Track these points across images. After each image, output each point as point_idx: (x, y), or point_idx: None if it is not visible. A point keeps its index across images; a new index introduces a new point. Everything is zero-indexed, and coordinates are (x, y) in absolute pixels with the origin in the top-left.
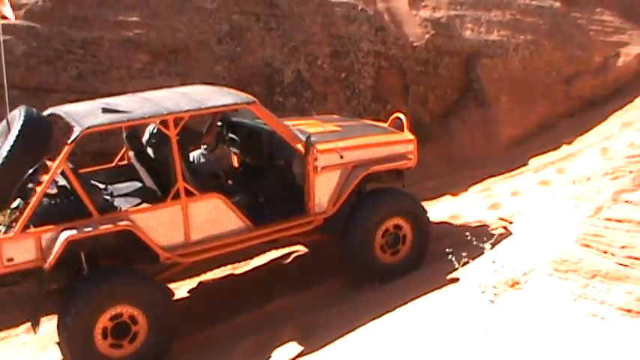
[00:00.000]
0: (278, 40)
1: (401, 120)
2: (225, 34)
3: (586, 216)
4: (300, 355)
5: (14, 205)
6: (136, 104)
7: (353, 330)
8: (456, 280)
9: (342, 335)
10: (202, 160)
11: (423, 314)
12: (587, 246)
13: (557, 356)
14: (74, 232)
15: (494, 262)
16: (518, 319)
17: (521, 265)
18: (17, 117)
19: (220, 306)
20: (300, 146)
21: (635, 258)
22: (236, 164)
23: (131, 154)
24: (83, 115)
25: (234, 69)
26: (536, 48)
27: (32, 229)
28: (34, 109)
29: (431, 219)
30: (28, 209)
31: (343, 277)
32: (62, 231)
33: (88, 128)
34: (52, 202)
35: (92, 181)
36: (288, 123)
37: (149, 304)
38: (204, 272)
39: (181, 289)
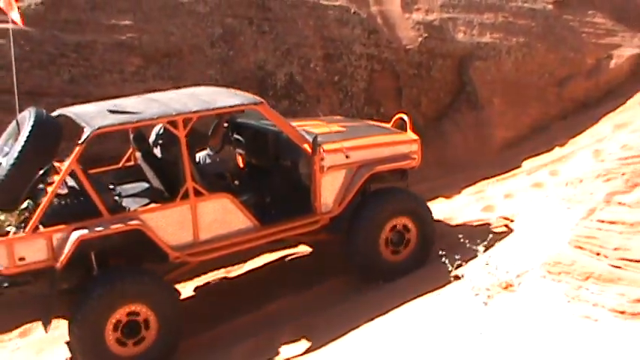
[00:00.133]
0: (271, 44)
1: (404, 120)
2: (218, 37)
3: (579, 218)
4: (295, 357)
5: (23, 206)
6: (144, 105)
7: (346, 333)
8: (450, 282)
9: (335, 338)
10: (208, 161)
11: (416, 317)
12: (581, 248)
13: (551, 358)
14: (85, 231)
15: (487, 264)
16: (512, 321)
17: (514, 268)
18: (27, 118)
19: (222, 306)
20: (306, 146)
21: (628, 260)
22: (241, 165)
23: (138, 155)
24: (93, 115)
25: (227, 72)
26: (529, 50)
27: (43, 229)
28: (44, 111)
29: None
30: (39, 209)
31: (342, 277)
32: (73, 230)
33: (98, 129)
34: (62, 202)
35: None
36: (294, 124)
37: (159, 303)
38: (206, 273)
39: (182, 290)
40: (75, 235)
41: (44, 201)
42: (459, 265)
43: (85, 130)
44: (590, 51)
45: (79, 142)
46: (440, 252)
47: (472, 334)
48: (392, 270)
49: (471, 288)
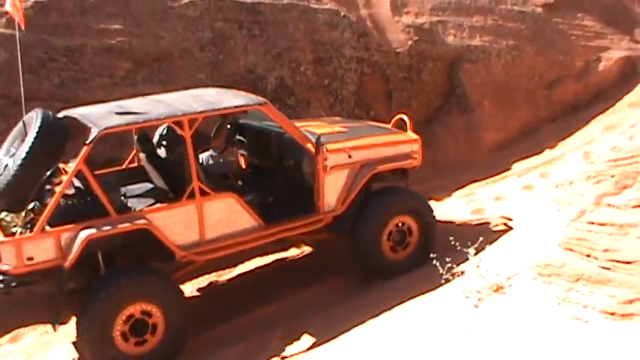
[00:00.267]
0: (261, 47)
1: (404, 121)
2: (208, 41)
3: (569, 220)
4: (286, 358)
5: (29, 207)
6: (149, 106)
7: (338, 335)
8: (441, 285)
9: (327, 340)
10: (211, 161)
11: (408, 319)
12: (571, 250)
13: None
14: (94, 230)
15: (478, 267)
16: (503, 323)
17: (505, 270)
18: (34, 119)
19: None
20: (310, 146)
21: (618, 261)
22: (243, 166)
23: (142, 156)
24: (99, 116)
25: (217, 76)
26: (519, 53)
27: (51, 229)
28: (50, 112)
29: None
30: (47, 209)
31: (335, 279)
32: (81, 230)
33: (105, 129)
34: (69, 202)
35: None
36: (297, 124)
37: (167, 302)
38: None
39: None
40: (83, 235)
41: (52, 201)
42: (450, 268)
43: (92, 130)
44: (580, 54)
45: (87, 142)
46: (431, 255)
47: (463, 337)
48: (394, 268)
49: (462, 290)
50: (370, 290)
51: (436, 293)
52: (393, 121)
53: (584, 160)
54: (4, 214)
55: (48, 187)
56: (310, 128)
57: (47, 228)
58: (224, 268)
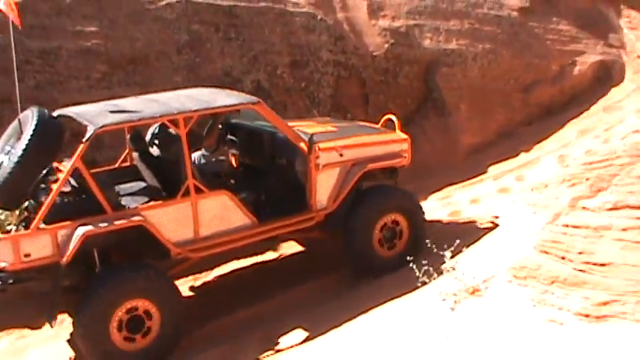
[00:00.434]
0: (237, 50)
1: (392, 121)
2: (184, 44)
3: (544, 222)
4: None
5: (24, 205)
6: (143, 105)
7: (313, 338)
8: (417, 288)
9: (302, 342)
10: (203, 161)
11: (384, 322)
12: (546, 252)
13: None
14: (90, 227)
15: (454, 269)
16: (479, 326)
17: (481, 273)
18: (30, 117)
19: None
20: (303, 145)
21: (593, 264)
22: (234, 165)
23: (135, 154)
24: (95, 115)
25: (194, 79)
26: (495, 57)
27: (48, 226)
28: (46, 110)
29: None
30: (44, 206)
31: (313, 283)
32: (78, 227)
33: (102, 127)
34: (65, 200)
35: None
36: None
37: (163, 298)
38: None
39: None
40: (80, 231)
41: (49, 198)
42: (427, 271)
43: (88, 128)
44: (555, 57)
45: (83, 140)
46: (407, 257)
47: (439, 339)
48: (385, 265)
49: (438, 293)
50: (346, 293)
51: (412, 296)
52: (381, 121)
53: (559, 163)
54: None
55: (43, 185)
56: (302, 128)
57: (41, 225)
58: (213, 268)
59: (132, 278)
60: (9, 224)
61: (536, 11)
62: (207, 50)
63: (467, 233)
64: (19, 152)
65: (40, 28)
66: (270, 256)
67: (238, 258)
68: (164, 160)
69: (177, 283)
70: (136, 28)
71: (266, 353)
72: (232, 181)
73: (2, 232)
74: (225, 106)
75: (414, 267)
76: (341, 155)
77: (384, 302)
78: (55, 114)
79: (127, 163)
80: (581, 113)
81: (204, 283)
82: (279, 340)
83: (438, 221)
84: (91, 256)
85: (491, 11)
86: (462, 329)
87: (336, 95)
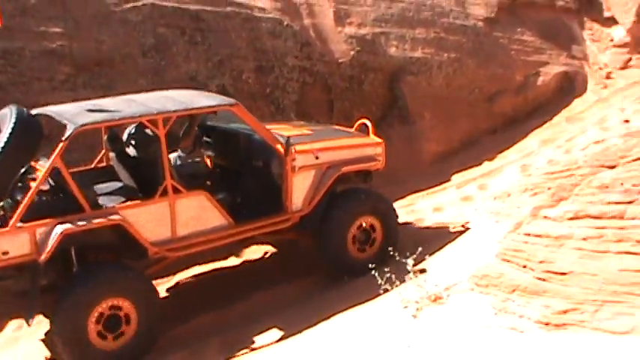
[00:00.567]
0: (203, 55)
1: (366, 125)
2: (150, 47)
3: (506, 231)
4: None
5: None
6: (122, 105)
7: (271, 344)
8: (379, 295)
9: (261, 347)
10: (179, 162)
11: (345, 329)
12: (508, 261)
13: None
14: (69, 225)
15: (416, 277)
16: (440, 334)
17: (443, 280)
18: (8, 116)
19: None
20: (279, 147)
21: (553, 272)
22: (210, 167)
23: (112, 155)
24: (74, 114)
25: (159, 82)
26: (460, 66)
27: (26, 224)
28: (25, 109)
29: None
30: (23, 203)
31: (272, 289)
32: (56, 225)
33: (82, 126)
34: (43, 198)
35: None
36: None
37: (140, 297)
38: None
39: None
40: (59, 229)
41: (28, 195)
42: (389, 278)
43: (68, 127)
44: (519, 68)
45: (63, 138)
46: (370, 265)
47: (400, 347)
48: (358, 267)
49: (400, 301)
50: (308, 300)
51: (374, 303)
52: (355, 125)
53: (521, 172)
54: None
55: (20, 184)
56: (278, 130)
57: (19, 224)
58: (188, 268)
59: (110, 277)
60: None
61: (501, 21)
62: (173, 54)
63: (429, 241)
64: None
65: (3, 28)
66: (235, 260)
67: (213, 259)
68: (141, 160)
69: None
70: (101, 30)
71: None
72: (208, 183)
73: None
74: (204, 108)
75: (376, 274)
76: (317, 158)
77: (346, 309)
78: (33, 112)
79: (103, 164)
80: (544, 123)
81: (177, 284)
82: (237, 346)
83: (401, 229)
84: (69, 255)
85: (457, 21)
86: (424, 337)
87: (301, 101)
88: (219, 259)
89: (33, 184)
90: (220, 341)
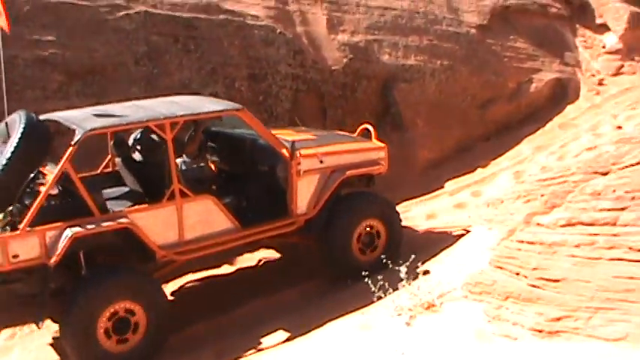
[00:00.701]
0: (196, 63)
1: (369, 130)
2: (142, 55)
3: (500, 238)
4: None
5: (8, 209)
6: (129, 110)
7: (263, 353)
8: (372, 303)
9: (254, 352)
10: (184, 167)
11: (339, 337)
12: (501, 268)
13: None
14: (79, 228)
15: (410, 284)
16: (434, 341)
17: (436, 288)
18: (18, 121)
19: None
20: (285, 151)
21: (547, 279)
22: (214, 171)
23: (118, 160)
24: (82, 119)
25: (152, 90)
26: (453, 73)
27: (36, 227)
28: (34, 114)
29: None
30: (34, 207)
31: (270, 296)
32: (66, 228)
33: (90, 130)
34: (51, 202)
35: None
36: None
37: (150, 300)
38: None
39: None
40: (69, 232)
41: (38, 199)
42: (382, 286)
43: (77, 132)
44: (512, 75)
45: (72, 143)
46: (363, 272)
47: (394, 355)
48: (363, 269)
49: (393, 308)
50: (299, 308)
51: (368, 310)
52: (358, 130)
53: (515, 179)
54: None
55: (29, 189)
56: (282, 135)
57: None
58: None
59: (120, 280)
60: None
61: (493, 29)
62: (166, 62)
63: (423, 248)
64: (8, 155)
65: None
66: (229, 268)
67: (218, 263)
68: (146, 165)
69: None
70: (94, 39)
71: None
72: (214, 187)
73: None
74: (210, 112)
75: (369, 282)
76: (321, 162)
77: (339, 317)
78: (41, 118)
79: (109, 169)
80: (537, 130)
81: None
82: (232, 354)
83: None
84: (77, 259)
85: (450, 28)
86: (418, 345)
87: (294, 109)
88: (214, 267)
89: (42, 189)
90: (215, 349)
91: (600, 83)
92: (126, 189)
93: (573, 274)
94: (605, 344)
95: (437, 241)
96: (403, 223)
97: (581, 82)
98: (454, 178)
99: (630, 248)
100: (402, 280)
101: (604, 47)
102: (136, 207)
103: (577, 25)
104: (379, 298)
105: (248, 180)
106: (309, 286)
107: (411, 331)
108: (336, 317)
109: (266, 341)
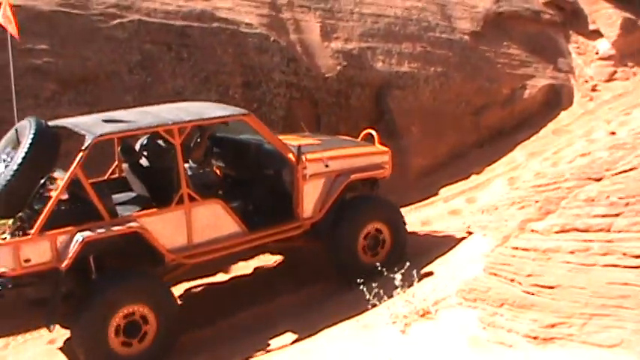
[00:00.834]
0: (189, 71)
1: (372, 135)
2: (136, 63)
3: (494, 245)
4: None
5: (18, 214)
6: (137, 116)
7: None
8: (368, 310)
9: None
10: (190, 173)
11: (333, 345)
12: (495, 274)
13: None
14: (90, 233)
15: (404, 292)
16: (429, 348)
17: (431, 295)
18: (28, 127)
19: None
20: (291, 156)
21: (541, 286)
22: (220, 176)
23: (125, 166)
24: (92, 124)
25: (145, 99)
26: (446, 80)
27: (47, 232)
28: (43, 120)
29: None
30: (45, 212)
31: (270, 302)
32: (77, 233)
33: (100, 136)
34: (61, 207)
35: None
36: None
37: (160, 303)
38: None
39: None
40: (80, 237)
41: (49, 204)
42: (377, 293)
43: (87, 137)
44: (506, 81)
45: (82, 148)
46: (358, 280)
47: None
48: (369, 271)
49: (388, 316)
50: (293, 315)
51: (363, 318)
52: (361, 135)
53: (509, 185)
54: None
55: (38, 195)
56: (287, 140)
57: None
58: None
59: (130, 284)
60: (2, 233)
61: (487, 35)
62: (159, 70)
63: (417, 255)
64: (19, 161)
65: None
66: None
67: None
68: (153, 170)
69: None
70: (87, 47)
71: None
72: (220, 192)
73: None
74: (218, 118)
75: (364, 289)
76: (326, 166)
77: (334, 324)
78: (50, 124)
79: (115, 175)
80: (531, 136)
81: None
82: None
83: None
84: (86, 263)
85: (443, 35)
86: (413, 352)
87: (288, 116)
88: (207, 275)
89: (53, 194)
90: (209, 357)
91: (593, 89)
92: (133, 194)
93: (568, 281)
94: (600, 350)
95: (431, 248)
96: None
97: (575, 88)
98: (448, 184)
99: (624, 254)
100: (396, 287)
101: (597, 53)
102: (146, 211)
103: (570, 32)
104: (374, 305)
105: (254, 184)
106: (303, 293)
107: (406, 338)
108: (331, 325)
109: (257, 350)
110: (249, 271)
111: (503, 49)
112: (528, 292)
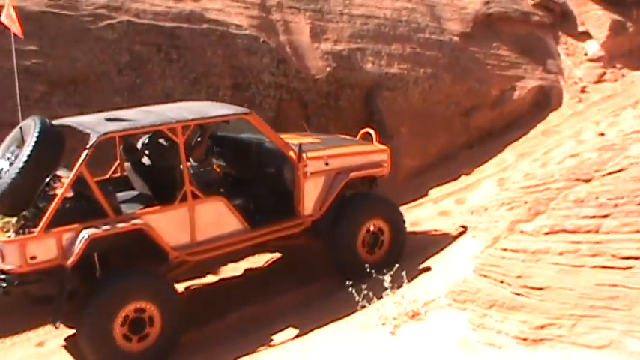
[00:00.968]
0: (179, 72)
1: (370, 134)
2: (125, 64)
3: (483, 246)
4: None
5: (22, 212)
6: (140, 115)
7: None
8: (357, 311)
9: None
10: (191, 171)
11: (321, 346)
12: (485, 276)
13: None
14: (95, 230)
15: (394, 293)
16: (418, 350)
17: (421, 296)
18: (32, 126)
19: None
20: (292, 154)
21: (530, 287)
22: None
23: (127, 165)
24: (96, 123)
25: (135, 100)
26: (436, 81)
27: (53, 229)
28: (47, 119)
29: None
30: (50, 209)
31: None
32: (82, 230)
33: (104, 134)
34: (66, 205)
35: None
36: None
37: (164, 300)
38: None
39: None
40: (86, 234)
41: (55, 202)
42: (366, 295)
43: (91, 136)
44: (495, 82)
45: (87, 146)
46: (347, 281)
47: None
48: (367, 268)
49: (378, 317)
50: (285, 316)
51: (352, 319)
52: (360, 134)
53: (498, 186)
54: None
55: (43, 193)
56: (287, 139)
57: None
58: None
59: (135, 281)
60: (7, 231)
61: (476, 37)
62: (149, 71)
63: (407, 256)
64: (24, 159)
65: None
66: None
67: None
68: (155, 169)
69: None
70: (76, 48)
71: None
72: (222, 190)
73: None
74: (220, 116)
75: (354, 291)
76: (327, 164)
77: (323, 325)
78: (54, 123)
79: (117, 174)
80: (521, 137)
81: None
82: None
83: None
84: (91, 261)
85: (433, 36)
86: (402, 353)
87: (277, 118)
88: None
89: (58, 192)
90: (206, 357)
91: (582, 90)
92: (135, 193)
93: (557, 282)
94: (589, 351)
95: (421, 249)
96: None
97: (564, 90)
98: (438, 185)
99: (613, 255)
100: (386, 288)
101: (586, 55)
102: (150, 209)
103: (559, 33)
104: (363, 307)
105: (255, 182)
106: (292, 295)
107: (395, 340)
108: (320, 326)
109: (245, 351)
110: (248, 271)
111: (492, 51)
112: (518, 294)
